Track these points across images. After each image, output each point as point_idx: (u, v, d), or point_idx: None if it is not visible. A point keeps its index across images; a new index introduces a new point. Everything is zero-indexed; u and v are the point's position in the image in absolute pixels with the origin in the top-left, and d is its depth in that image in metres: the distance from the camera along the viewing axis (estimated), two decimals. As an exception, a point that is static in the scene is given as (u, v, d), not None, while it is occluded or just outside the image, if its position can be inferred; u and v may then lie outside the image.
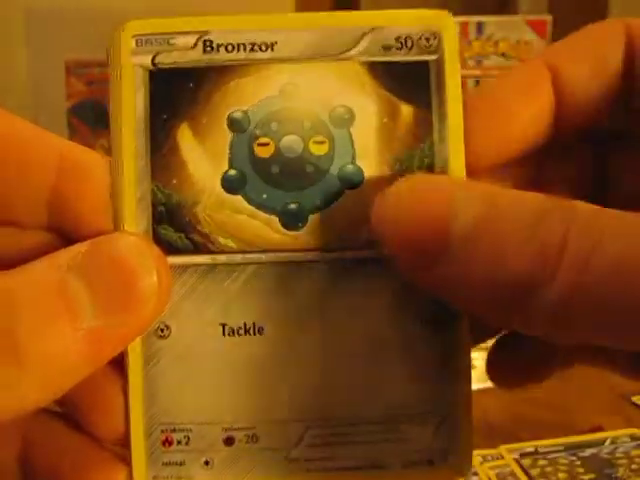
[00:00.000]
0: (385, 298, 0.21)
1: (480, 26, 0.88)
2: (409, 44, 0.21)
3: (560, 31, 0.89)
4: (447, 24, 0.21)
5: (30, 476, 0.21)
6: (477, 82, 0.89)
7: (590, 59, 0.21)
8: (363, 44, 0.21)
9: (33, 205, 0.20)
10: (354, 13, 0.21)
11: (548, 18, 0.89)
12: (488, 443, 0.50)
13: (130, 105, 0.20)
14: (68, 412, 0.21)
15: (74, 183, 0.20)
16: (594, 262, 0.16)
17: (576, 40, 0.22)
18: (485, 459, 0.49)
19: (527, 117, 0.21)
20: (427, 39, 0.21)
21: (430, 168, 0.20)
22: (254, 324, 0.21)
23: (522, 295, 0.17)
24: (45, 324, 0.17)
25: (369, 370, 0.21)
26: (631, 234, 0.16)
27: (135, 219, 0.20)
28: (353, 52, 0.21)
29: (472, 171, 0.21)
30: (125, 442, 0.21)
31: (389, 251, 0.19)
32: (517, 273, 0.17)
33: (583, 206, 0.17)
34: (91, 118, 1.08)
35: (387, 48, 0.21)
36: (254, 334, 0.21)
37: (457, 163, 0.20)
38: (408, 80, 0.21)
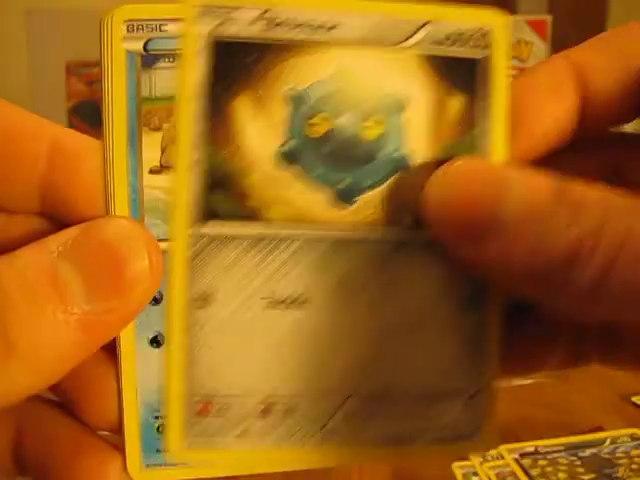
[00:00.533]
0: (425, 278, 0.21)
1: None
2: (463, 39, 0.21)
3: (560, 31, 0.89)
4: (501, 23, 0.21)
5: (23, 464, 0.21)
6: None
7: (615, 60, 0.22)
8: (420, 35, 0.21)
9: (24, 191, 0.20)
10: (414, 5, 0.21)
11: (548, 18, 0.89)
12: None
13: (190, 73, 0.20)
14: (61, 399, 0.21)
15: (66, 168, 0.20)
16: (626, 249, 0.18)
17: (600, 41, 0.22)
18: (485, 459, 0.49)
19: (552, 121, 0.22)
20: (480, 36, 0.21)
21: None
22: (300, 296, 0.21)
23: (560, 275, 0.18)
24: (36, 310, 0.17)
25: (405, 347, 0.22)
26: None
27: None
28: (409, 42, 0.21)
29: None
30: (119, 429, 0.21)
31: (438, 227, 0.20)
32: (558, 254, 0.18)
33: (619, 195, 0.19)
34: (92, 118, 1.08)
35: (441, 41, 0.21)
36: (299, 306, 0.21)
37: (499, 156, 0.21)
38: (459, 73, 0.21)
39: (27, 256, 0.18)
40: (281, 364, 0.21)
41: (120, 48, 0.20)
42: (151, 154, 0.21)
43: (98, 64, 0.20)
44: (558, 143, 0.22)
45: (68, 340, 0.17)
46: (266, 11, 0.20)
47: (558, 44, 0.90)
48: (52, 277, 0.17)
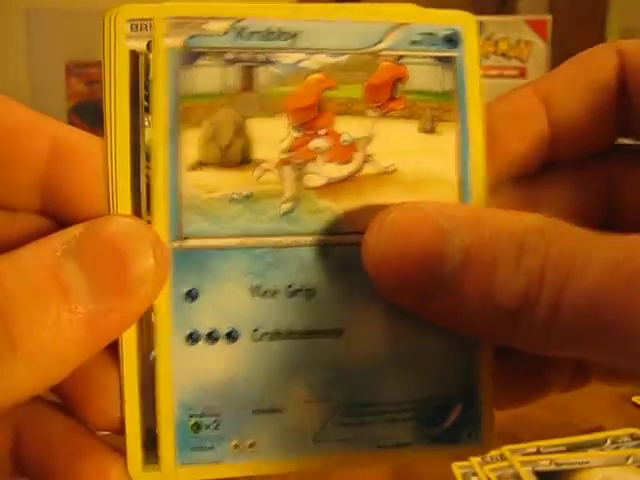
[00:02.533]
0: None
1: (480, 26, 0.88)
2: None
3: (560, 31, 0.89)
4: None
5: (22, 466, 0.21)
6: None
7: (582, 87, 0.22)
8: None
9: (25, 189, 0.20)
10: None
11: (548, 18, 0.89)
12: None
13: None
14: (62, 399, 0.21)
15: (68, 166, 0.19)
16: (568, 295, 0.17)
17: (568, 69, 0.23)
18: (484, 460, 0.49)
19: (520, 145, 0.22)
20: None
21: None
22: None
23: (510, 320, 0.18)
24: (40, 309, 0.17)
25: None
26: (603, 263, 0.17)
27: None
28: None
29: None
30: (120, 429, 0.21)
31: (380, 284, 0.19)
32: (506, 302, 0.18)
33: (561, 229, 0.18)
34: (92, 118, 1.08)
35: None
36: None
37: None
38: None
39: (30, 255, 0.18)
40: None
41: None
42: None
43: (98, 64, 0.20)
44: (529, 167, 0.23)
45: (72, 339, 0.17)
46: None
47: (558, 44, 0.90)
48: (56, 276, 0.17)
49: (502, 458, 0.49)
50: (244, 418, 0.21)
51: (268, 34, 0.21)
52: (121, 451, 0.20)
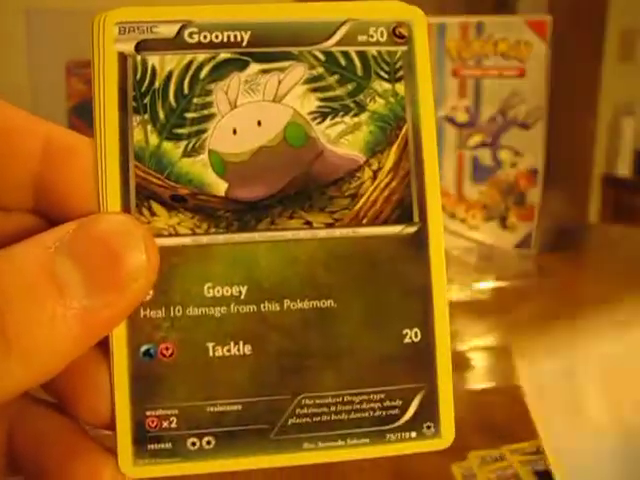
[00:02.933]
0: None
1: (480, 26, 0.88)
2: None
3: (560, 31, 0.89)
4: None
5: (15, 464, 0.21)
6: (477, 82, 0.89)
7: None
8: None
9: (18, 188, 0.20)
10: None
11: (548, 18, 0.89)
12: (488, 443, 0.50)
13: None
14: (52, 395, 0.21)
15: (60, 166, 0.20)
16: None
17: None
18: (484, 460, 0.49)
19: None
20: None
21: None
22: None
23: None
24: (34, 305, 0.17)
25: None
26: None
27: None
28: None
29: None
30: (111, 427, 0.21)
31: None
32: None
33: None
34: (92, 118, 1.08)
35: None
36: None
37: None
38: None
39: (24, 252, 0.18)
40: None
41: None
42: None
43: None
44: None
45: (67, 335, 0.17)
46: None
47: (558, 44, 0.90)
48: (50, 272, 0.17)
49: (502, 458, 0.49)
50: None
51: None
52: (113, 451, 0.21)
